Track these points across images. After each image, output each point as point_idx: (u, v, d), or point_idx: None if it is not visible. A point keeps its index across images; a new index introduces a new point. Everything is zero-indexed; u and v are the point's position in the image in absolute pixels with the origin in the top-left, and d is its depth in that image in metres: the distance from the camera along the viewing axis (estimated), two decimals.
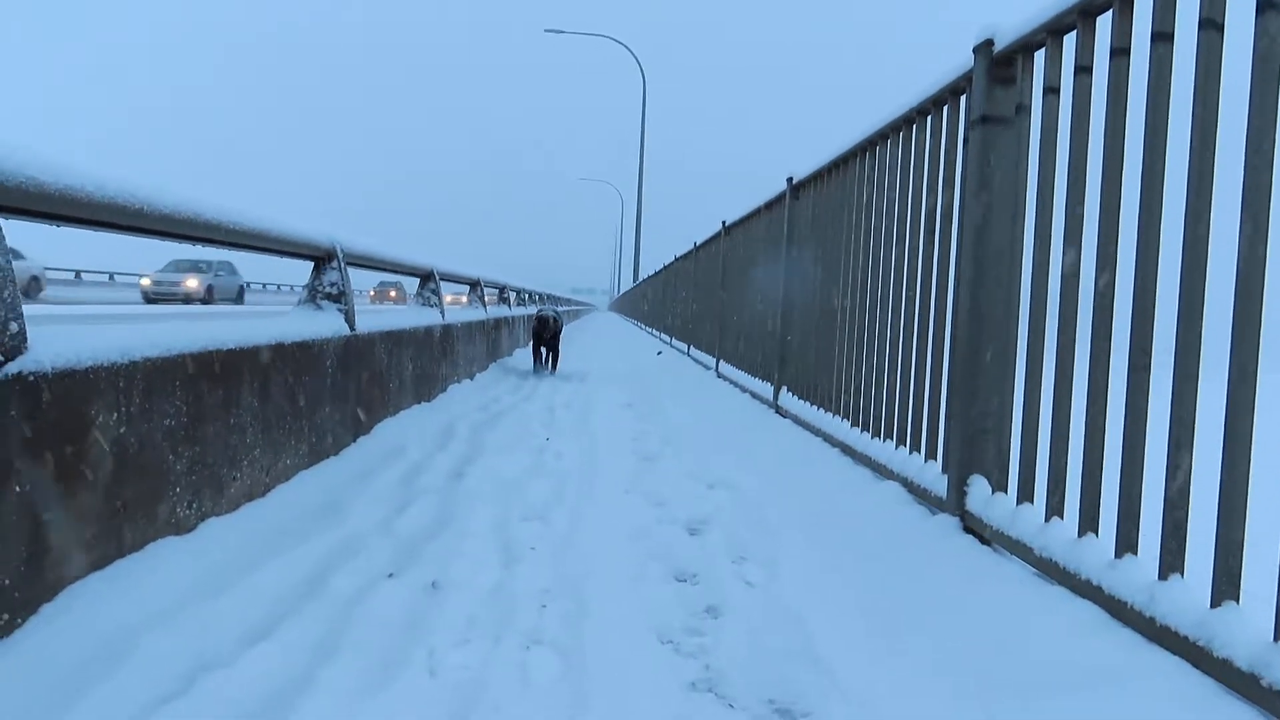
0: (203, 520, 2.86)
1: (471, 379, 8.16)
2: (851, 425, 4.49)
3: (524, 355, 11.17)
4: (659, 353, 14.07)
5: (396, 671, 2.18)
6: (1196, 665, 1.84)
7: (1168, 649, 1.92)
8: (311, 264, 4.50)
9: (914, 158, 3.82)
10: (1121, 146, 2.37)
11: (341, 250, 4.54)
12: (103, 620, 2.12)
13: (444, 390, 6.91)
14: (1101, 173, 2.42)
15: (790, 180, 6.23)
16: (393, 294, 48.42)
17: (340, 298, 4.46)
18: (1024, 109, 2.89)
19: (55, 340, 2.17)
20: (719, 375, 9.05)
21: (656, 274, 21.00)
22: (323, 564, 2.86)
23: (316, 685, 2.06)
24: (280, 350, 3.51)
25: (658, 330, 19.31)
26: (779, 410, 6.12)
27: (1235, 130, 1.97)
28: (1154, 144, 2.23)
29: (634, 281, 37.35)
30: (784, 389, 6.16)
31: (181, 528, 2.73)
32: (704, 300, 11.35)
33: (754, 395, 7.01)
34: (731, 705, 2.12)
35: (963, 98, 3.28)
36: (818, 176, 5.53)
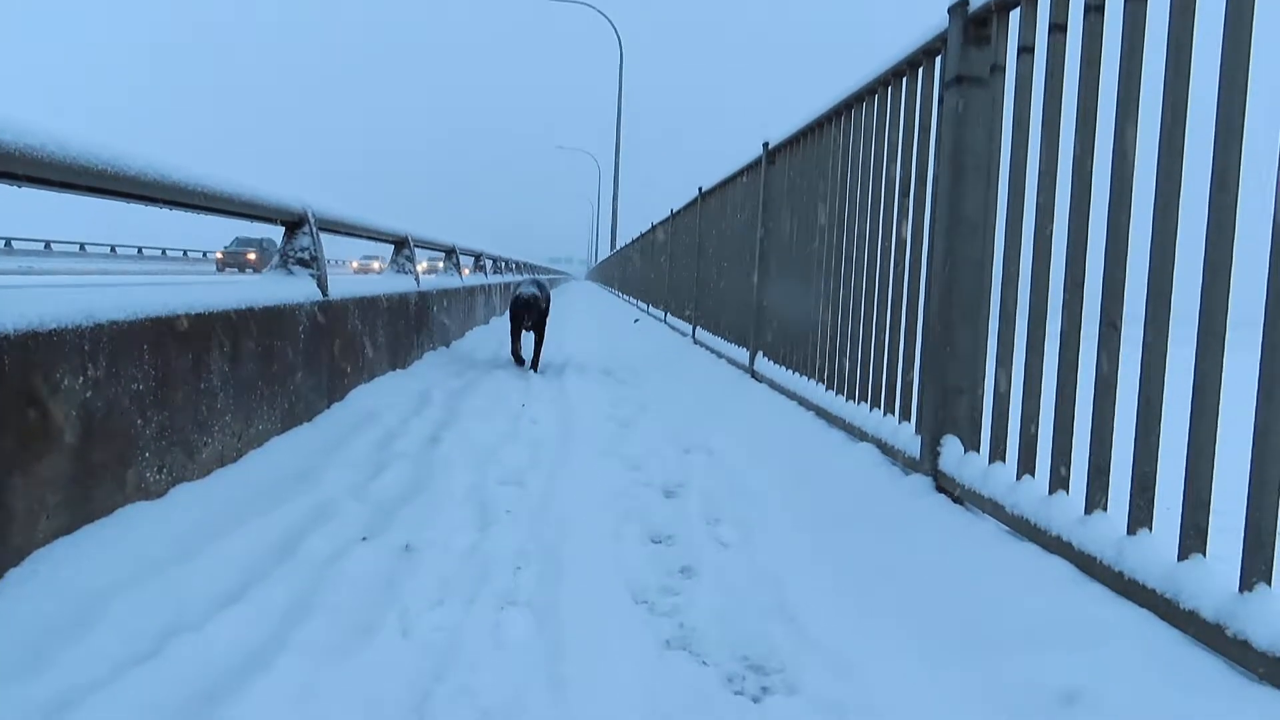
0: (173, 486, 2.83)
1: (448, 346, 8.12)
2: (826, 389, 4.51)
3: (500, 325, 11.06)
4: (635, 320, 14.06)
5: (370, 633, 2.18)
6: (1163, 617, 1.87)
7: (1135, 602, 1.95)
8: (283, 229, 4.44)
9: (889, 120, 3.80)
10: (1095, 105, 2.37)
11: (313, 215, 4.49)
12: (71, 585, 2.10)
13: (419, 358, 6.88)
14: (1075, 132, 2.42)
15: (766, 146, 6.20)
16: (251, 255, 35.01)
17: (312, 263, 4.41)
18: (998, 69, 2.88)
19: (17, 302, 2.13)
20: (695, 342, 9.05)
21: (633, 242, 20.93)
22: (296, 529, 2.85)
23: (289, 647, 2.05)
24: (251, 314, 3.47)
25: (634, 298, 19.29)
26: (755, 375, 6.13)
27: (1208, 90, 1.96)
28: (1126, 103, 2.23)
29: (611, 250, 37.22)
30: (760, 354, 6.16)
31: (151, 493, 2.70)
32: (680, 268, 11.33)
33: (730, 361, 7.02)
34: (705, 662, 2.14)
35: (938, 59, 3.26)
36: (793, 141, 5.50)
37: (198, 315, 3.00)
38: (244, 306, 3.41)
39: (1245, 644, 1.66)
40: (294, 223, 4.39)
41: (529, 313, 7.06)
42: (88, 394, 2.36)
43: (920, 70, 3.44)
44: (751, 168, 6.73)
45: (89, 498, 2.38)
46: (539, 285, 7.35)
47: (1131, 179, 2.22)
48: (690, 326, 9.66)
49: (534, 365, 7.14)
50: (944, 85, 3.12)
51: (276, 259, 4.41)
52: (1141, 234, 2.11)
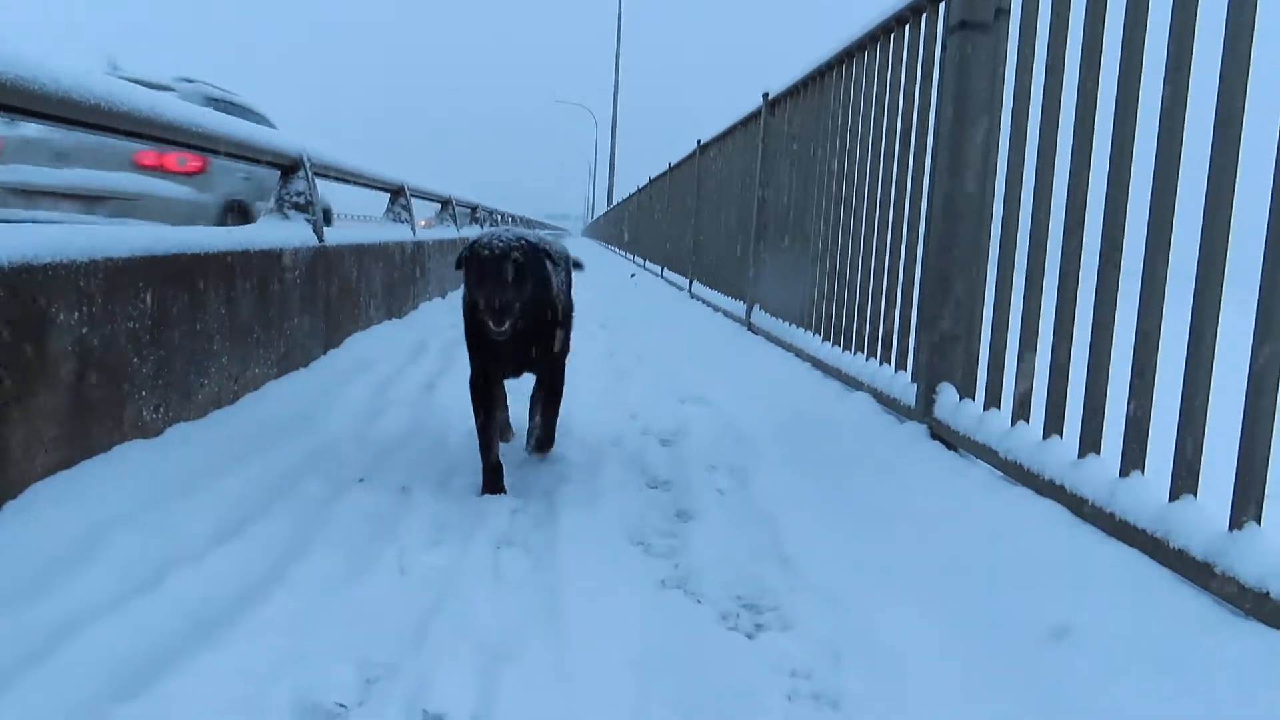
0: (170, 425, 2.84)
1: (444, 297, 8.11)
2: (823, 340, 4.51)
3: None
4: (632, 275, 14.02)
5: (367, 569, 2.19)
6: (1154, 557, 1.89)
7: (1126, 543, 1.97)
8: (279, 173, 4.41)
9: (891, 68, 3.76)
10: (1099, 51, 2.34)
11: (309, 159, 4.45)
12: (70, 517, 2.11)
13: (415, 308, 6.86)
14: (1079, 78, 2.40)
15: (766, 96, 6.14)
16: None
17: (308, 208, 4.38)
18: (1003, 13, 2.84)
19: (10, 236, 2.12)
20: (692, 295, 9.04)
21: (630, 197, 20.81)
22: (293, 469, 2.86)
23: (287, 580, 2.08)
24: (247, 257, 3.45)
25: (631, 254, 19.22)
26: (751, 328, 6.13)
27: (1213, 34, 1.94)
28: (1131, 49, 2.21)
29: (608, 206, 37.00)
30: (756, 306, 6.16)
31: (148, 431, 2.70)
32: (677, 221, 11.27)
33: (726, 314, 7.02)
34: (699, 600, 2.16)
35: (941, 4, 3.22)
36: (794, 91, 5.45)
37: (193, 256, 2.99)
38: (239, 249, 3.39)
39: (1233, 580, 1.68)
40: (289, 167, 4.35)
41: (502, 316, 2.52)
42: (84, 330, 2.35)
43: (924, 16, 3.40)
44: (751, 119, 6.67)
45: (86, 434, 2.39)
46: (546, 254, 2.78)
47: (1135, 122, 2.20)
48: (687, 281, 9.64)
49: (540, 442, 3.16)
50: (948, 31, 3.08)
51: (272, 203, 4.38)
52: (1143, 175, 2.10)
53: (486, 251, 2.56)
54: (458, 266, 2.67)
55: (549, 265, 2.76)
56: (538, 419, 3.11)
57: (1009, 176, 2.74)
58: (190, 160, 6.77)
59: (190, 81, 7.52)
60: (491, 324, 2.49)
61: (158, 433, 2.75)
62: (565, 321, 3.04)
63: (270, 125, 7.68)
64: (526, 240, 2.66)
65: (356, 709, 1.62)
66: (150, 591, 1.92)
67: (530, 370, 3.00)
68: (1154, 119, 2.08)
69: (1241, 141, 1.89)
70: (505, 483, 2.83)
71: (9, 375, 2.07)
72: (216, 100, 7.48)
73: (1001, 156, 2.81)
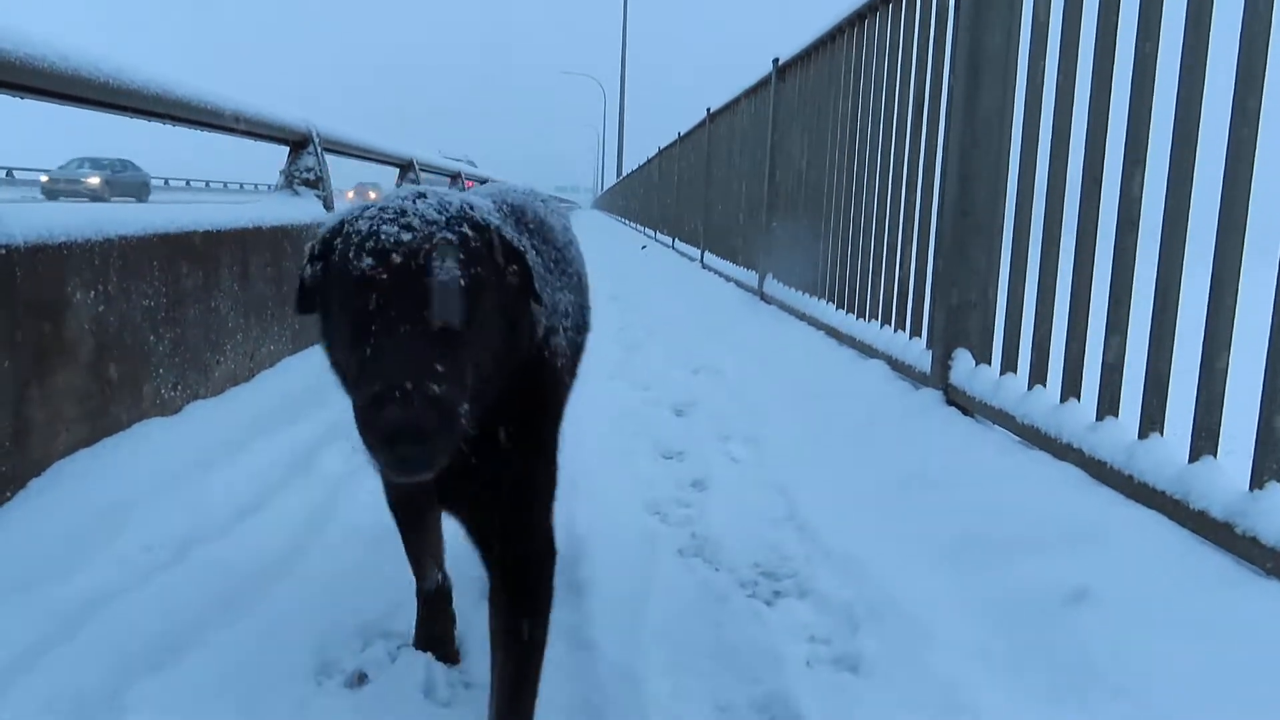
0: (189, 402, 2.86)
1: None
2: (837, 308, 4.49)
3: None
4: (643, 247, 13.97)
5: (387, 541, 2.20)
6: (1173, 518, 1.88)
7: (1145, 504, 1.96)
8: (287, 149, 4.40)
9: (905, 27, 3.71)
10: (1116, 10, 2.31)
11: (318, 135, 4.43)
12: (93, 494, 2.13)
13: None
14: (1095, 37, 2.37)
15: (776, 62, 6.08)
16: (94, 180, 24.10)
17: (317, 184, 4.37)
18: None
19: (24, 214, 2.12)
20: (704, 266, 9.01)
21: (640, 168, 20.69)
22: (310, 444, 2.87)
23: (309, 554, 2.10)
24: (259, 234, 3.46)
25: (642, 226, 19.15)
26: (764, 297, 6.11)
27: None
28: (1148, 10, 2.17)
29: (618, 178, 36.83)
30: (769, 276, 6.13)
31: (167, 409, 2.72)
32: (688, 192, 11.22)
33: (739, 284, 7.00)
34: (717, 569, 2.17)
35: None
36: (805, 56, 5.39)
37: (206, 233, 2.99)
38: (252, 226, 3.39)
39: (1254, 540, 1.67)
40: (298, 142, 4.34)
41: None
42: (100, 308, 2.36)
43: None
44: (761, 85, 6.61)
45: (106, 412, 2.40)
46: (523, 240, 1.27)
47: (1153, 83, 2.17)
48: (699, 252, 9.61)
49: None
50: None
51: (281, 179, 4.37)
52: (1162, 133, 2.07)
53: (369, 258, 1.12)
54: (300, 305, 1.26)
55: (540, 266, 1.34)
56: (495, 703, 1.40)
57: (1025, 132, 2.71)
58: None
59: (468, 159, 19.14)
60: (387, 457, 1.07)
61: (177, 410, 2.77)
62: (557, 402, 1.53)
63: (474, 166, 14.01)
64: (474, 212, 1.21)
65: (381, 677, 1.64)
66: (174, 566, 1.95)
67: (468, 510, 1.46)
68: (1174, 77, 2.05)
69: (1263, 98, 1.86)
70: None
71: (27, 353, 2.08)
72: (472, 164, 16.65)
73: (1018, 115, 2.78)
